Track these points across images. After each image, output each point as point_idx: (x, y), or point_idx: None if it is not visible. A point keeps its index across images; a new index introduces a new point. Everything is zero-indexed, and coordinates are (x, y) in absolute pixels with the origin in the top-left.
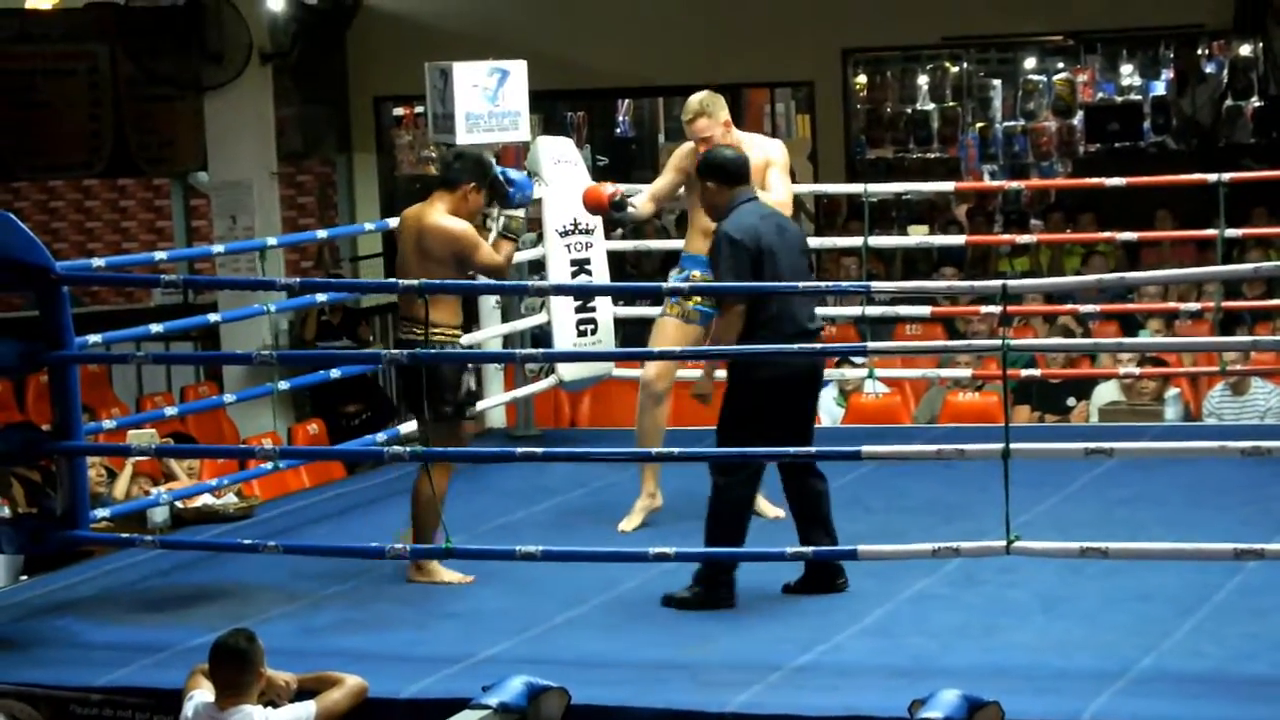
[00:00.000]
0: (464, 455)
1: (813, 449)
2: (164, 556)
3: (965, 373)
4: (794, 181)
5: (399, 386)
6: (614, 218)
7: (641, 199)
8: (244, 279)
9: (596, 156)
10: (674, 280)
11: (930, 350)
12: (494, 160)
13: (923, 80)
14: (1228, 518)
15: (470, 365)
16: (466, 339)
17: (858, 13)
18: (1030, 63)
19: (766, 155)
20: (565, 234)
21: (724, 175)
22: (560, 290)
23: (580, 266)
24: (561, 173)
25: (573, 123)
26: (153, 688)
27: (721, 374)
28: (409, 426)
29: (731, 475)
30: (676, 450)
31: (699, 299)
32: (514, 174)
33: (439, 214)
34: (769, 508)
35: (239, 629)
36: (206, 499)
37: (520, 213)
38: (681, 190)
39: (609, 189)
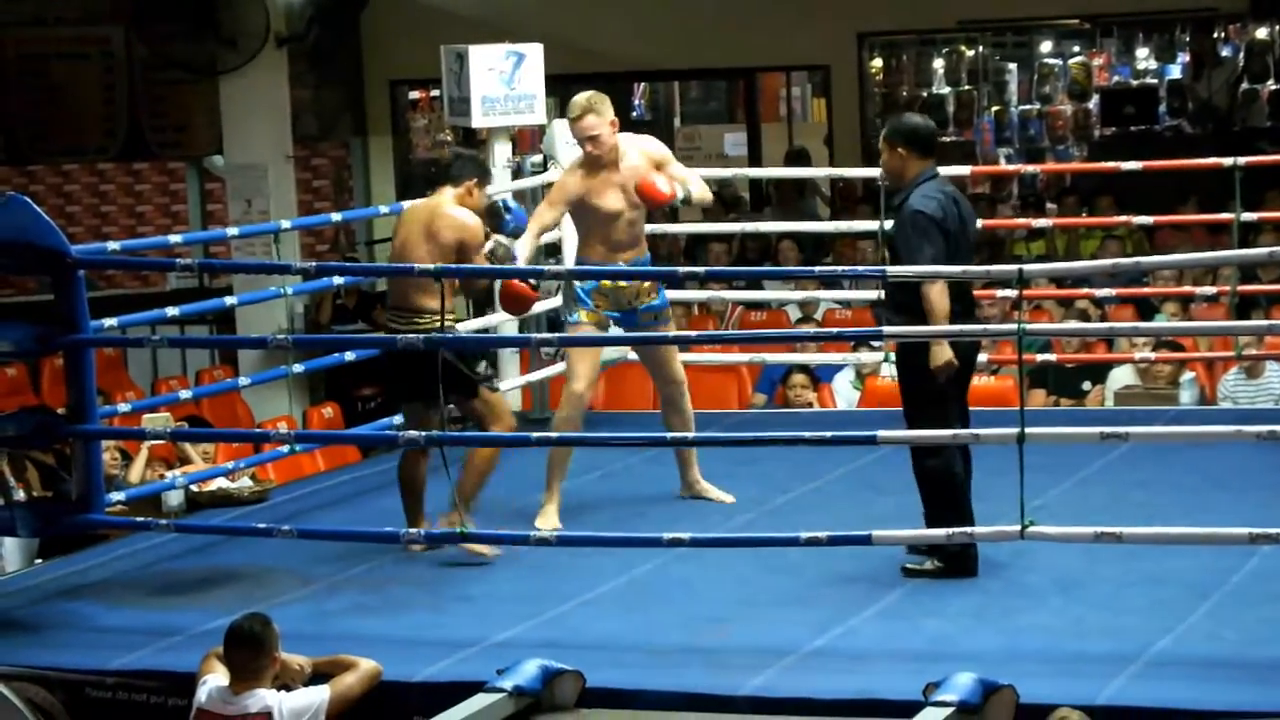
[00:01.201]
0: (477, 439)
1: (828, 434)
2: (178, 540)
3: (981, 357)
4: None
5: (409, 380)
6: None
7: (525, 243)
8: (259, 262)
9: None
10: (580, 290)
11: (946, 334)
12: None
13: (938, 64)
14: (1243, 501)
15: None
16: (480, 323)
17: None
18: (1046, 46)
19: (660, 155)
20: None
21: (922, 144)
22: (576, 274)
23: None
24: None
25: None
26: (167, 671)
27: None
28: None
29: (938, 456)
30: (704, 435)
31: (607, 305)
32: (513, 204)
33: (452, 204)
34: (717, 492)
35: (253, 613)
36: (221, 482)
37: (509, 242)
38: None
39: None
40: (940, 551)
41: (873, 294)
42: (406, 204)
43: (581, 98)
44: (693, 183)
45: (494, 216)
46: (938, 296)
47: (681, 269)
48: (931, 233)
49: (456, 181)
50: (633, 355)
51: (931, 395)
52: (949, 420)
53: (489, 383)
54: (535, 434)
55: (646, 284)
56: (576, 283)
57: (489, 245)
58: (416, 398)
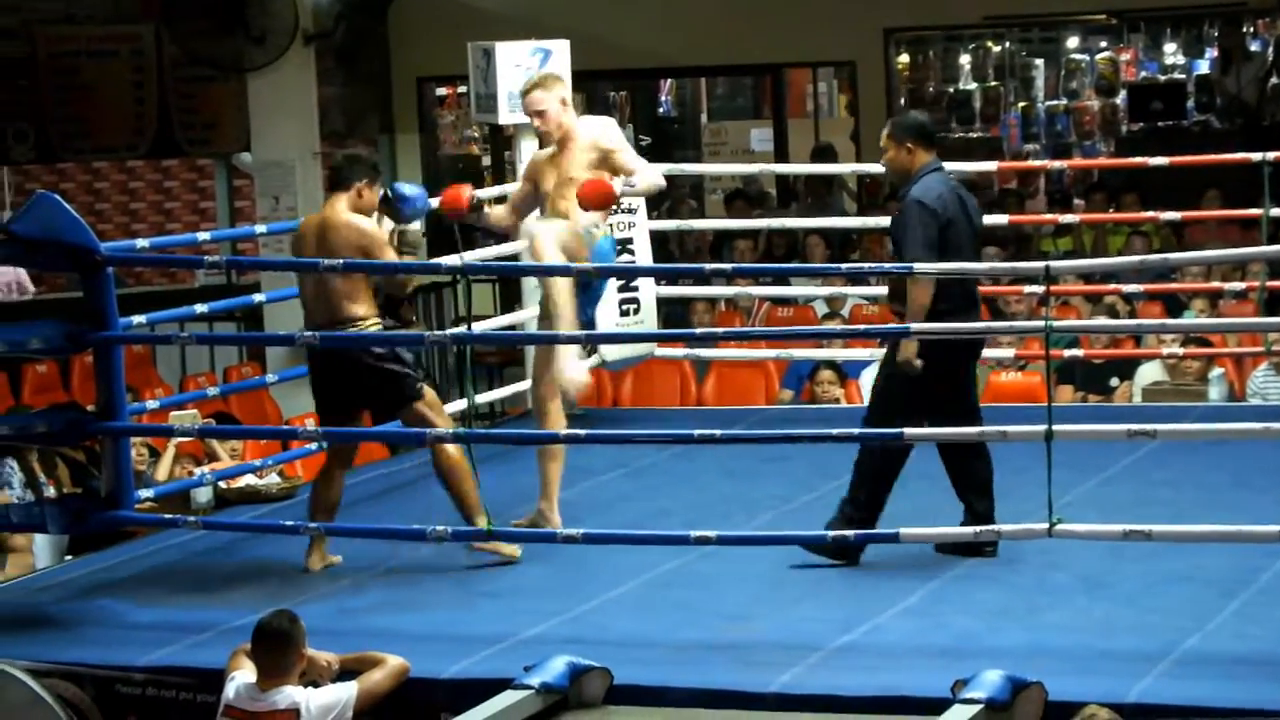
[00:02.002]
0: (508, 438)
1: (855, 430)
2: (207, 537)
3: (1008, 353)
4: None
5: (358, 389)
6: (470, 222)
7: (503, 209)
8: (287, 259)
9: (639, 136)
10: None
11: (973, 331)
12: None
13: (965, 59)
14: (1272, 499)
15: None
16: (509, 319)
17: None
18: (1073, 42)
19: (612, 144)
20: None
21: (923, 138)
22: (602, 271)
23: (623, 246)
24: None
25: (615, 103)
26: (195, 667)
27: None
28: (452, 407)
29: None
30: (731, 433)
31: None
32: (406, 189)
33: (342, 211)
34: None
35: (281, 610)
36: (249, 479)
37: (416, 226)
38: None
39: (467, 192)
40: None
41: None
42: (301, 222)
43: (534, 74)
44: (641, 173)
45: (389, 206)
46: (918, 290)
47: (708, 265)
48: (925, 220)
49: (346, 185)
50: (660, 351)
51: (908, 393)
52: (909, 411)
53: (421, 383)
54: (562, 431)
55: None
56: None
57: (397, 239)
58: (346, 409)
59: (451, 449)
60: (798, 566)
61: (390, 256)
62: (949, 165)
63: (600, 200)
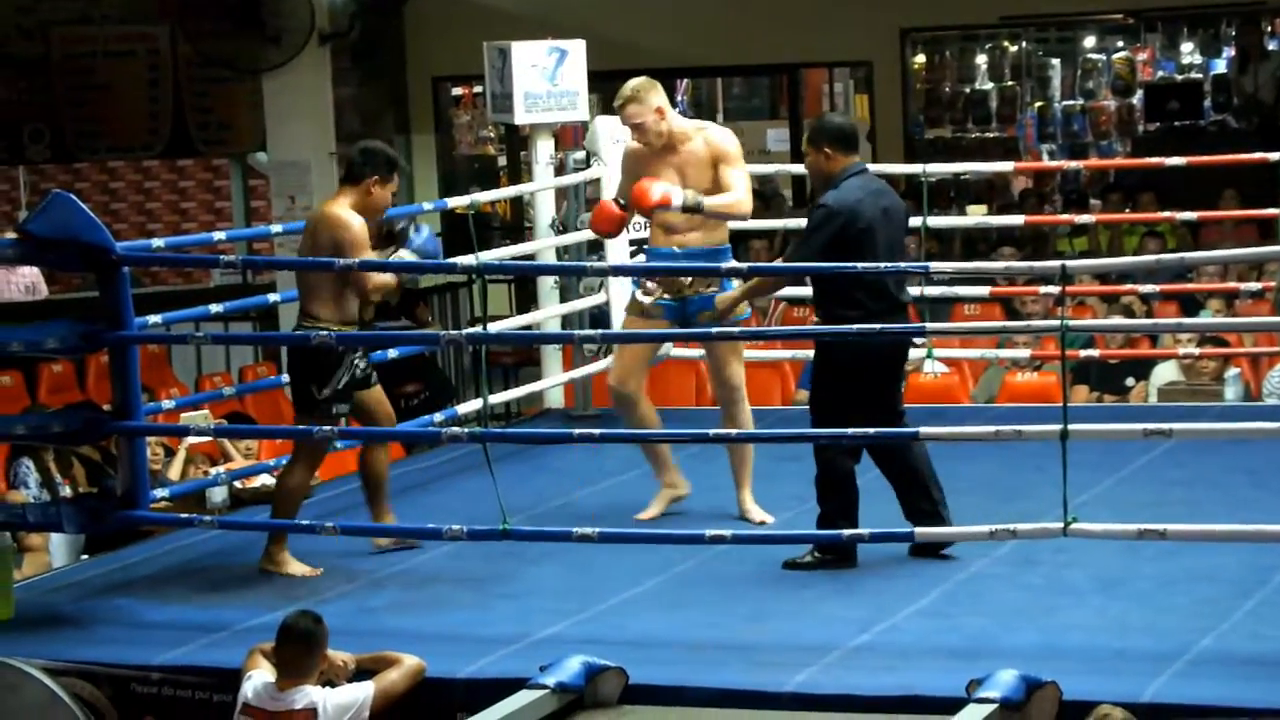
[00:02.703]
0: (524, 437)
1: (871, 430)
2: (222, 536)
3: (1024, 353)
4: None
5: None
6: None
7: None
8: (302, 259)
9: None
10: (631, 281)
11: (989, 330)
12: (416, 221)
13: (981, 59)
14: None
15: (356, 364)
16: (525, 319)
17: None
18: (1089, 41)
19: (723, 151)
20: None
21: (841, 142)
22: (619, 271)
23: (639, 246)
24: (620, 152)
25: None
26: (211, 667)
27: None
28: (467, 407)
29: (829, 450)
30: (747, 431)
31: (662, 294)
32: (424, 238)
33: (339, 206)
34: (760, 514)
35: (305, 610)
36: (265, 479)
37: (409, 256)
38: None
39: (612, 203)
40: (824, 547)
41: (915, 290)
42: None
43: (628, 85)
44: (731, 194)
45: (400, 237)
46: (769, 285)
47: (724, 264)
48: (825, 224)
49: (356, 181)
50: (676, 352)
51: (842, 395)
52: (849, 422)
53: (326, 406)
54: (578, 430)
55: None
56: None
57: (390, 251)
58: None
59: (381, 460)
60: (794, 572)
61: (365, 257)
62: (966, 166)
63: (607, 226)
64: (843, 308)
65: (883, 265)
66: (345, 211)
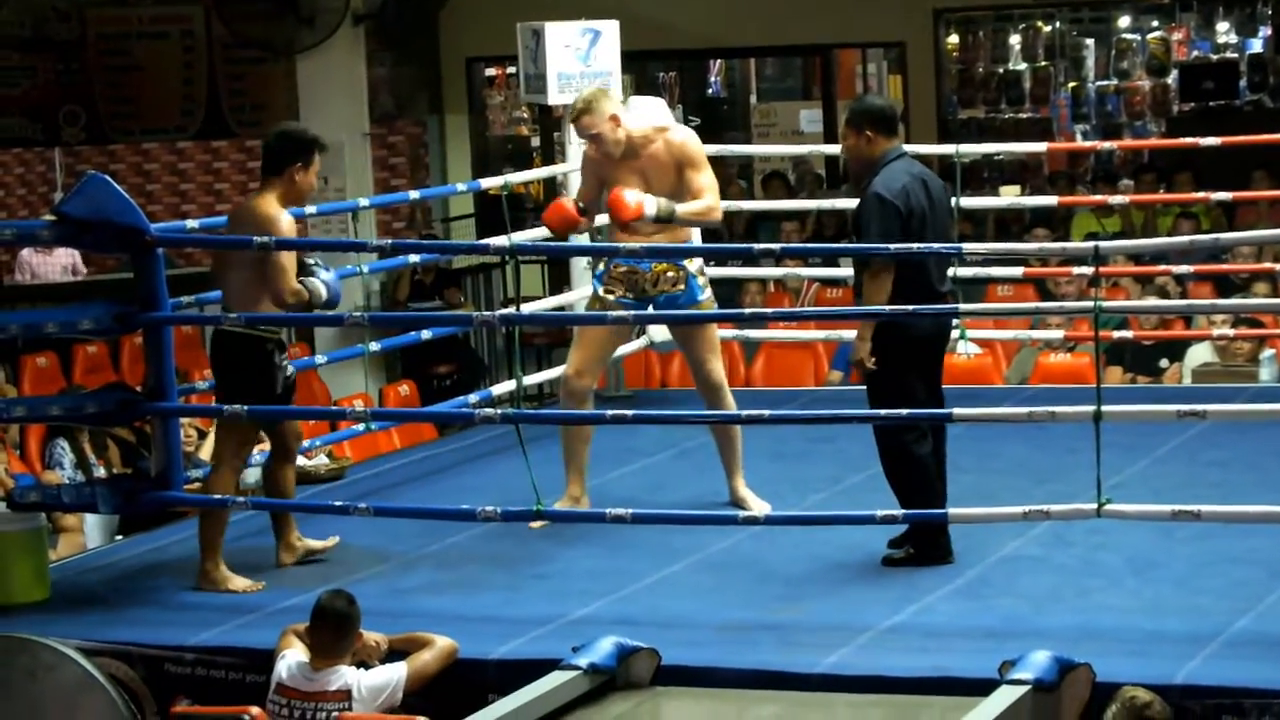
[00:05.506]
0: (559, 418)
1: (904, 411)
2: (256, 517)
3: (1057, 334)
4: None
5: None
6: (582, 230)
7: (576, 196)
8: (336, 240)
9: (689, 117)
10: (596, 272)
11: (1022, 312)
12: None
13: (1015, 40)
14: None
15: (285, 364)
16: (558, 300)
17: None
18: (1124, 21)
19: (688, 156)
20: None
21: (883, 124)
22: (651, 252)
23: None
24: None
25: (664, 83)
26: (245, 647)
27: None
28: (501, 388)
29: (905, 435)
30: (780, 413)
31: (621, 291)
32: (332, 275)
33: (265, 201)
34: (754, 500)
35: (339, 591)
36: (299, 460)
37: (322, 290)
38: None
39: (569, 203)
40: (914, 539)
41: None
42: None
43: (579, 97)
44: (703, 201)
45: (306, 272)
46: (875, 288)
47: (757, 245)
48: (885, 215)
49: (279, 171)
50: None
51: (891, 374)
52: (914, 398)
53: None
54: (610, 411)
55: (669, 272)
56: (599, 264)
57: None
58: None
59: (290, 479)
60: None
61: (286, 268)
62: (999, 146)
63: (558, 224)
64: (893, 300)
65: (917, 246)
66: (272, 207)
